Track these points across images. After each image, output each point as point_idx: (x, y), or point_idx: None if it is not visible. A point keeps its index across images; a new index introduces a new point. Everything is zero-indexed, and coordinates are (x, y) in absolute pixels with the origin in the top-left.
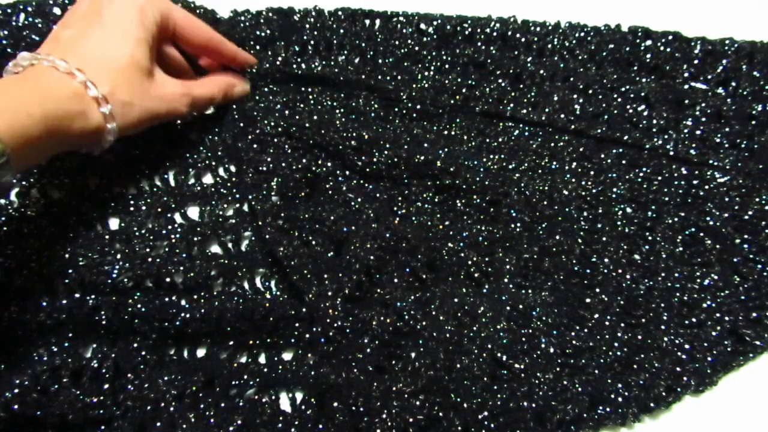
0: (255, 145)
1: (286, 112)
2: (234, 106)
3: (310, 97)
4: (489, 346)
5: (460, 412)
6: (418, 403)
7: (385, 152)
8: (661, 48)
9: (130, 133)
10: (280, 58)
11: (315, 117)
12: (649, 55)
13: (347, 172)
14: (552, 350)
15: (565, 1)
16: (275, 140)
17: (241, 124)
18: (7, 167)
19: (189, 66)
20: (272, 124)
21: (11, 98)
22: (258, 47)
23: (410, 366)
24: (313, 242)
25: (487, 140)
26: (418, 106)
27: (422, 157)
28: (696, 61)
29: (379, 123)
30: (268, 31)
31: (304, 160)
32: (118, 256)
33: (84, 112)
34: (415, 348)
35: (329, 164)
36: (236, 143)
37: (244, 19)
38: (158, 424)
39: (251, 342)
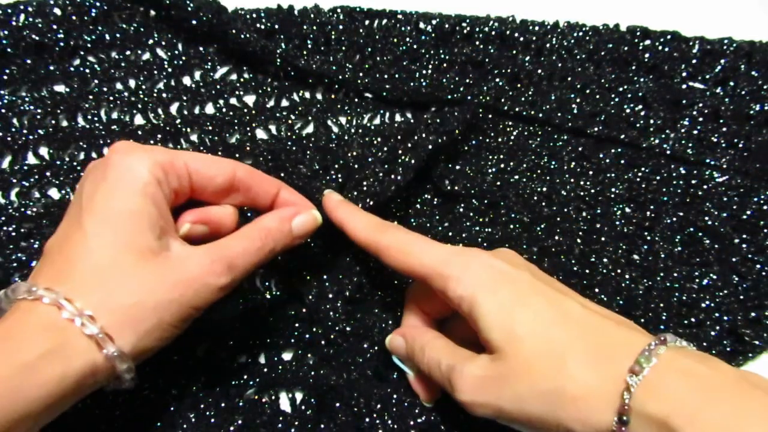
0: (255, 145)
1: (285, 112)
2: (234, 105)
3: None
4: None
5: (459, 424)
6: (417, 410)
7: (380, 157)
8: (660, 48)
9: (153, 346)
10: (278, 51)
11: (314, 117)
12: (647, 55)
13: (346, 174)
14: None
15: (564, 1)
16: (275, 141)
17: (241, 124)
18: None
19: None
20: (271, 128)
21: None
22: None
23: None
24: (313, 243)
25: (487, 140)
26: (422, 92)
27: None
28: (694, 61)
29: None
30: (268, 24)
31: (299, 165)
32: None
33: (60, 347)
34: None
35: (328, 165)
36: (235, 143)
37: (245, 13)
38: (158, 424)
39: (251, 342)
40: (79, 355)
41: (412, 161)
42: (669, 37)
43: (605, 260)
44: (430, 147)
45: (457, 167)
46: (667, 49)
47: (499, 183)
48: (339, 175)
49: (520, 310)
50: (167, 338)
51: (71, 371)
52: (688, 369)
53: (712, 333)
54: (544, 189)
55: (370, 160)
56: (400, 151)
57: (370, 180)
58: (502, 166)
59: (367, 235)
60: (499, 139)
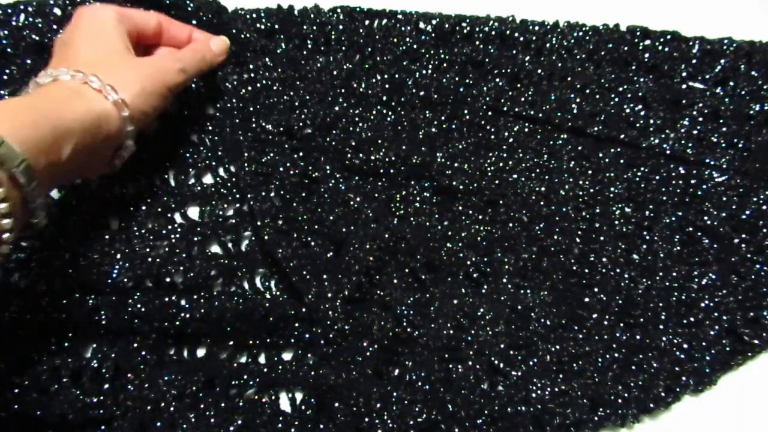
0: (255, 144)
1: (285, 110)
2: (234, 105)
3: (309, 94)
4: (486, 352)
5: (458, 420)
6: (417, 409)
7: (383, 151)
8: (660, 47)
9: (146, 108)
10: (279, 51)
11: (314, 116)
12: (647, 55)
13: (346, 173)
14: (548, 357)
15: (564, 1)
16: (275, 139)
17: (241, 124)
18: (30, 176)
19: None
20: (272, 123)
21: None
22: (257, 36)
23: (407, 376)
24: (312, 243)
25: (486, 138)
26: (422, 93)
27: (420, 158)
28: (694, 61)
29: (379, 114)
30: (268, 24)
31: (302, 162)
32: (118, 256)
33: (78, 93)
34: (410, 357)
35: (328, 165)
36: (235, 143)
37: (245, 13)
38: (158, 424)
39: (251, 342)
40: (94, 101)
41: None
42: (669, 37)
43: (604, 260)
44: None
45: (456, 164)
46: (667, 49)
47: (497, 181)
48: None
49: None
50: (152, 106)
51: (92, 110)
52: None
53: (711, 333)
54: (543, 188)
55: None
56: None
57: None
58: (501, 164)
59: None
60: (500, 136)
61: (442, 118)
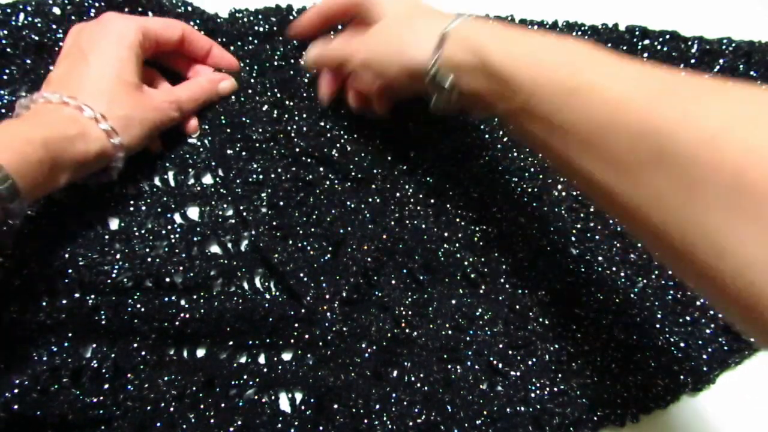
0: (243, 153)
1: (274, 117)
2: (221, 112)
3: (298, 100)
4: (485, 352)
5: (457, 421)
6: (416, 410)
7: (370, 158)
8: (658, 47)
9: (137, 147)
10: (278, 53)
11: (302, 122)
12: (646, 54)
13: (340, 175)
14: (547, 357)
15: (564, 1)
16: (263, 146)
17: (228, 131)
18: (13, 192)
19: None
20: (259, 130)
21: (11, 132)
22: (256, 42)
23: (406, 377)
24: (308, 247)
25: (482, 138)
26: None
27: (407, 166)
28: (693, 61)
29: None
30: (266, 26)
31: (293, 167)
32: (118, 256)
33: (83, 134)
34: (409, 358)
35: (320, 169)
36: (223, 151)
37: (243, 16)
38: (158, 424)
39: (251, 342)
40: (96, 141)
41: None
42: (668, 36)
43: (600, 258)
44: None
45: (449, 165)
46: (665, 49)
47: (492, 181)
48: None
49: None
50: (141, 143)
51: (92, 150)
52: (492, 22)
53: (707, 331)
54: (535, 189)
55: None
56: None
57: None
58: (495, 164)
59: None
60: (493, 136)
61: (436, 119)
